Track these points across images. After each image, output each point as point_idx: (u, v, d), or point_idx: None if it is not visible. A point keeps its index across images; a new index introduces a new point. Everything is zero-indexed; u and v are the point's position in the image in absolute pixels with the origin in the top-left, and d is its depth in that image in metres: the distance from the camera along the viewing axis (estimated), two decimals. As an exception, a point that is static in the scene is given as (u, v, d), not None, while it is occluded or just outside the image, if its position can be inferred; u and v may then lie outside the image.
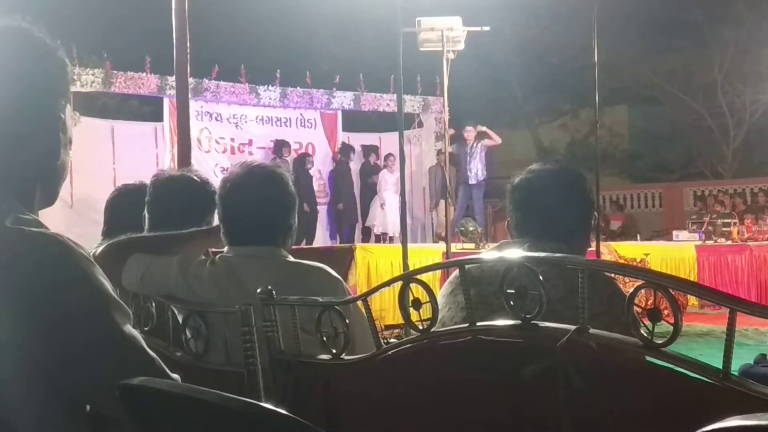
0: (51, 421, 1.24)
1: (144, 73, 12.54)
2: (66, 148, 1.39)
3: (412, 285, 1.58)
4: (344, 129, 14.75)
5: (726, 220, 14.08)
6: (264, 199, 2.34)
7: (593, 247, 7.98)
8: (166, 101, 12.63)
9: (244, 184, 2.34)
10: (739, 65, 21.75)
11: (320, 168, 14.00)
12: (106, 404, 1.23)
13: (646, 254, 11.29)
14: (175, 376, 1.30)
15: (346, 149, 13.99)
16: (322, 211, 13.95)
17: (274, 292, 1.86)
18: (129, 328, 1.28)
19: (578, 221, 2.21)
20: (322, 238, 13.88)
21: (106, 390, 1.17)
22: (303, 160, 13.36)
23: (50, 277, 1.22)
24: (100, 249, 2.44)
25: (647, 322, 1.27)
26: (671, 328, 1.23)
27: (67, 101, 1.40)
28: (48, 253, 1.24)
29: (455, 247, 9.59)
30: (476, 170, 13.33)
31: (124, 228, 2.57)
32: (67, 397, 1.24)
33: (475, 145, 13.35)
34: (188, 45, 6.42)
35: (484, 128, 13.65)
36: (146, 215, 2.73)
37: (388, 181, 13.52)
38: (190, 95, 6.94)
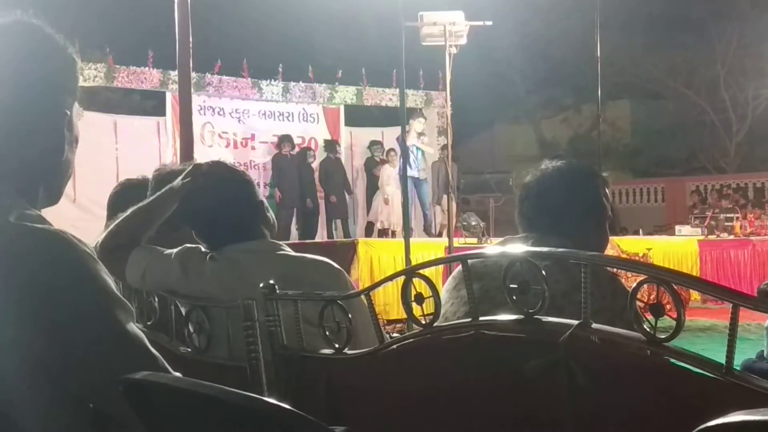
0: (54, 419, 1.24)
1: (146, 68, 12.54)
2: (71, 146, 1.39)
3: (415, 280, 1.58)
4: (347, 123, 14.74)
5: (728, 215, 14.08)
6: (236, 193, 2.36)
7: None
8: (168, 96, 12.62)
9: (211, 184, 2.35)
10: (742, 60, 21.73)
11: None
12: (109, 403, 1.23)
13: (649, 249, 11.28)
14: (177, 374, 1.30)
15: (330, 145, 13.96)
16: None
17: (277, 286, 1.86)
18: (132, 326, 1.28)
19: (586, 218, 2.20)
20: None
21: (109, 388, 1.17)
22: (305, 155, 13.36)
23: (54, 276, 1.22)
24: (100, 241, 2.44)
25: (650, 317, 1.27)
26: (674, 322, 1.23)
27: (75, 98, 1.40)
28: (52, 251, 1.24)
29: (457, 241, 9.59)
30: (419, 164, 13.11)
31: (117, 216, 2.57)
32: (70, 396, 1.24)
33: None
34: (191, 39, 6.43)
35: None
36: (148, 210, 2.73)
37: (390, 176, 13.50)
38: (192, 90, 6.96)
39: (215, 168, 2.42)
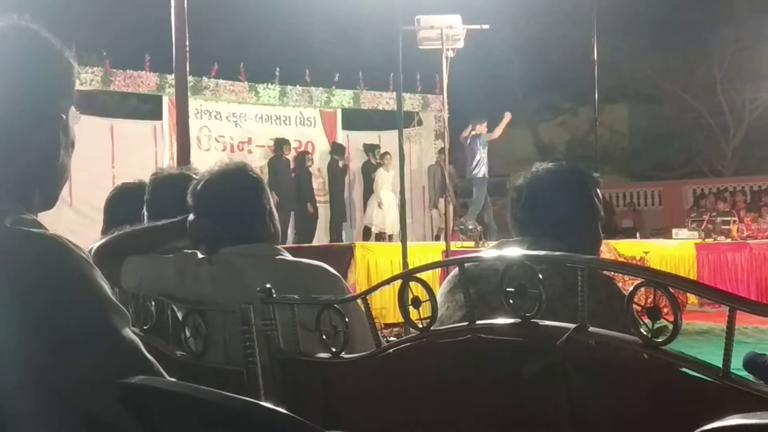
0: (49, 424, 1.24)
1: (143, 72, 12.53)
2: (67, 150, 1.39)
3: (412, 283, 1.58)
4: (344, 127, 14.74)
5: (726, 218, 14.10)
6: (243, 194, 2.34)
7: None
8: (165, 99, 12.62)
9: (220, 184, 2.33)
10: (739, 63, 21.78)
11: (320, 166, 14.01)
12: (104, 408, 1.22)
13: (646, 252, 11.30)
14: (172, 379, 1.29)
15: (338, 148, 13.97)
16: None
17: (273, 290, 1.86)
18: (128, 332, 1.28)
19: (580, 220, 2.20)
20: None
21: (104, 394, 1.16)
22: (303, 158, 13.37)
23: (49, 281, 1.22)
24: (95, 247, 2.43)
25: (647, 320, 1.27)
26: (671, 326, 1.23)
27: (71, 102, 1.39)
28: (47, 256, 1.23)
29: (454, 245, 9.59)
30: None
31: (124, 227, 2.57)
32: (66, 401, 1.24)
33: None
34: (187, 43, 6.42)
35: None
36: (145, 214, 2.72)
37: (385, 180, 13.50)
38: (189, 93, 6.94)
39: (225, 169, 2.41)
